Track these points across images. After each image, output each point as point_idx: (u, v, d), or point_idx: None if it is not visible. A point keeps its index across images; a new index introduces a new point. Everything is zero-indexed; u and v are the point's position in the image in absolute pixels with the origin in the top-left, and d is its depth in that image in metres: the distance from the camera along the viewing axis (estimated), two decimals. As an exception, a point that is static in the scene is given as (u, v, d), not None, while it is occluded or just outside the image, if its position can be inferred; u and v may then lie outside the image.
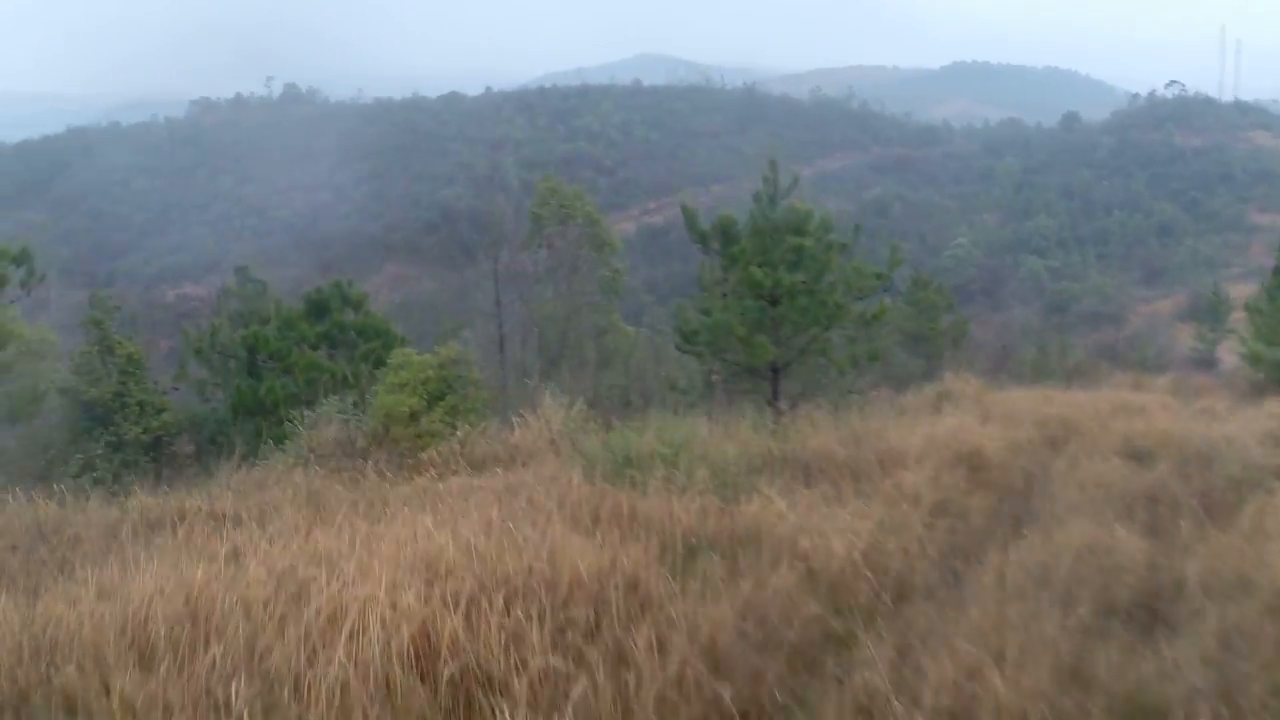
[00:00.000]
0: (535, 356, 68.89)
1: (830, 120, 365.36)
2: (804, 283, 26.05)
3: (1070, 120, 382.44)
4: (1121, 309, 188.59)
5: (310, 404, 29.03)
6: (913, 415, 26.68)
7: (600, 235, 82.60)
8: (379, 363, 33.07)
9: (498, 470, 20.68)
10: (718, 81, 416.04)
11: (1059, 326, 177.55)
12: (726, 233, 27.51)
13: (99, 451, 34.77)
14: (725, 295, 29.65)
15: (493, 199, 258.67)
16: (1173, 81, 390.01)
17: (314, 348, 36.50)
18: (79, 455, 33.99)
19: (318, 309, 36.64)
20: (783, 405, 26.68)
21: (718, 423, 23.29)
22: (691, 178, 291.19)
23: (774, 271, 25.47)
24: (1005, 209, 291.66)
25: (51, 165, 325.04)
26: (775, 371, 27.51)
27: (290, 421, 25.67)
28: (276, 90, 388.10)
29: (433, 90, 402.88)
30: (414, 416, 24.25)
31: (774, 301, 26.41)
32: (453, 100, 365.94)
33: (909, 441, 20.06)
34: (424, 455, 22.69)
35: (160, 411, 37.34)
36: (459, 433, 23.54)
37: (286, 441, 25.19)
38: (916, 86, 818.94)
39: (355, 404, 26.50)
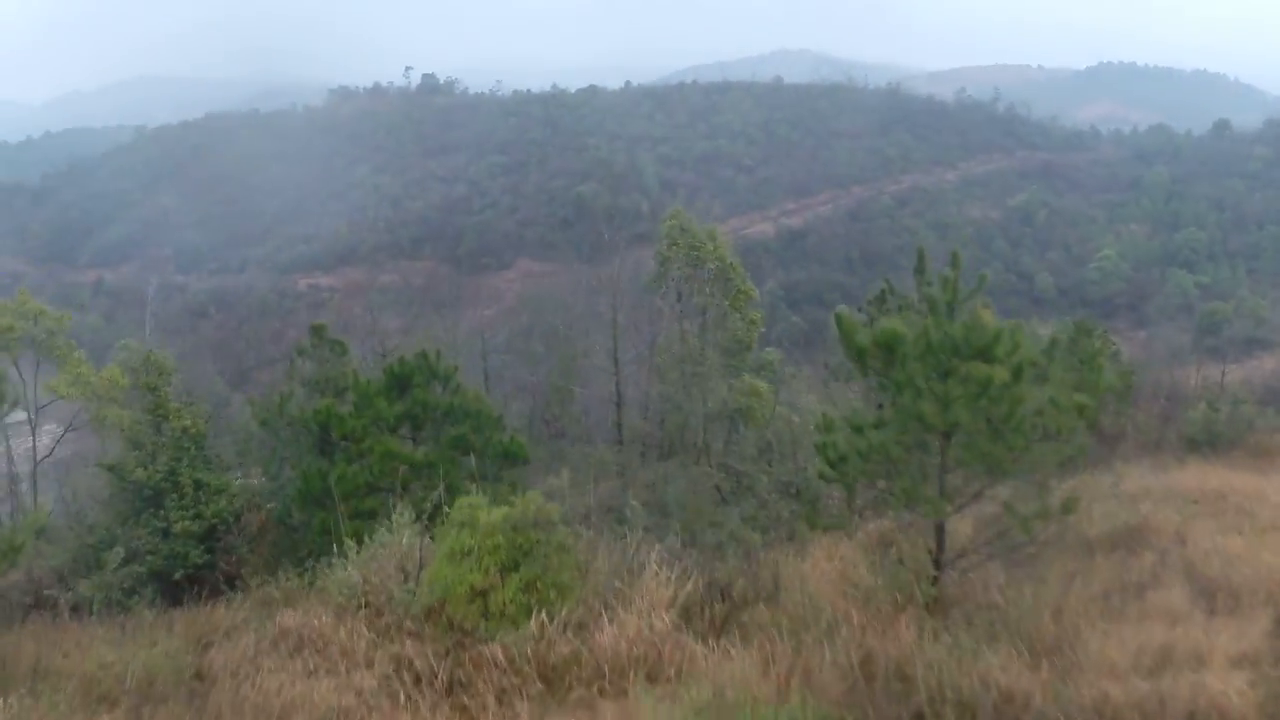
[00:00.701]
0: (649, 453, 62.72)
1: (975, 123, 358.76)
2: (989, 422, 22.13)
3: (1221, 128, 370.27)
4: (1277, 333, 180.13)
5: (388, 491, 26.34)
6: (1108, 594, 21.80)
7: (735, 281, 78.30)
8: (468, 449, 29.88)
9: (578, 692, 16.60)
10: (860, 80, 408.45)
11: (1210, 351, 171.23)
12: (891, 348, 23.33)
13: (142, 540, 31.27)
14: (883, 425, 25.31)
15: (629, 197, 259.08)
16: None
17: (393, 429, 32.97)
18: (120, 547, 30.54)
19: (400, 383, 33.34)
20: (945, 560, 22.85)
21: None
22: (832, 179, 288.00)
23: (948, 409, 21.65)
24: (1153, 220, 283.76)
25: (190, 150, 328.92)
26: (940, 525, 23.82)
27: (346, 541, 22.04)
28: (415, 81, 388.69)
29: (571, 83, 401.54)
30: (480, 594, 19.30)
31: (947, 435, 22.65)
32: (591, 94, 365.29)
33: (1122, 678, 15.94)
34: (486, 650, 18.18)
35: (219, 492, 33.45)
36: (532, 620, 18.41)
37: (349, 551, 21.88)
38: (1061, 87, 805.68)
39: (428, 517, 22.75)
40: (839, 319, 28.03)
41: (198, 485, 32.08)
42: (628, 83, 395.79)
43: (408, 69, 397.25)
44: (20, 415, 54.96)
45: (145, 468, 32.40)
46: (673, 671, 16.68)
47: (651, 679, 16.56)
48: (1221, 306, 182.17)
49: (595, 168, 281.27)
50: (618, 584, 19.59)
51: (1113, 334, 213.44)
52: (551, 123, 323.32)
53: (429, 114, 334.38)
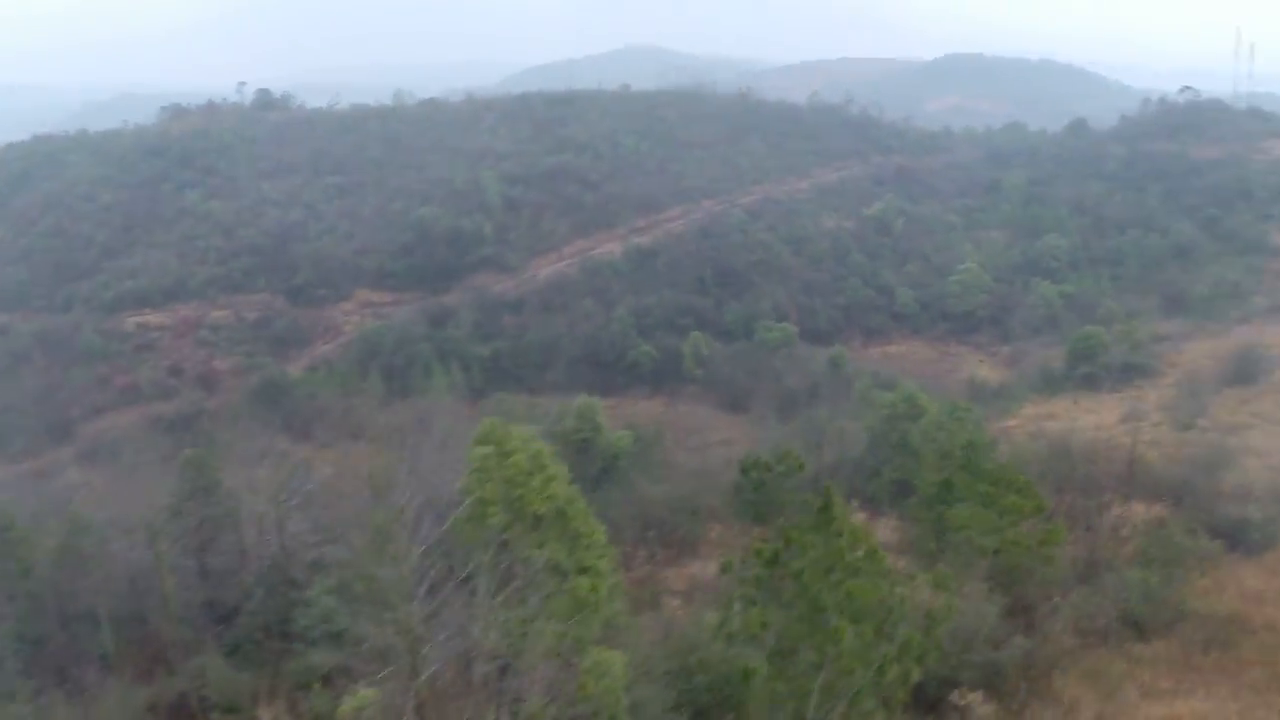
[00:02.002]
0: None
1: (828, 127, 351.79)
2: None
3: (1078, 128, 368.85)
4: (1155, 359, 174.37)
5: None
6: None
7: (574, 524, 58.29)
8: None
9: None
10: (709, 83, 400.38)
11: (1086, 380, 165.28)
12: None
13: None
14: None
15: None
16: (1186, 87, 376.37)
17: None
18: None
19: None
20: None
21: None
22: (682, 192, 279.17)
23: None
24: (1013, 225, 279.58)
25: (13, 175, 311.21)
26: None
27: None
28: (249, 96, 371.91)
29: (419, 86, 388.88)
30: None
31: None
32: (432, 108, 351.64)
33: None
34: None
35: None
36: None
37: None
38: (909, 79, 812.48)
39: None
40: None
41: None
42: (469, 95, 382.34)
43: (241, 84, 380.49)
44: None
45: None
46: None
47: None
48: (1096, 332, 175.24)
49: (436, 187, 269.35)
50: None
51: (977, 351, 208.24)
52: (391, 139, 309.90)
53: (263, 132, 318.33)
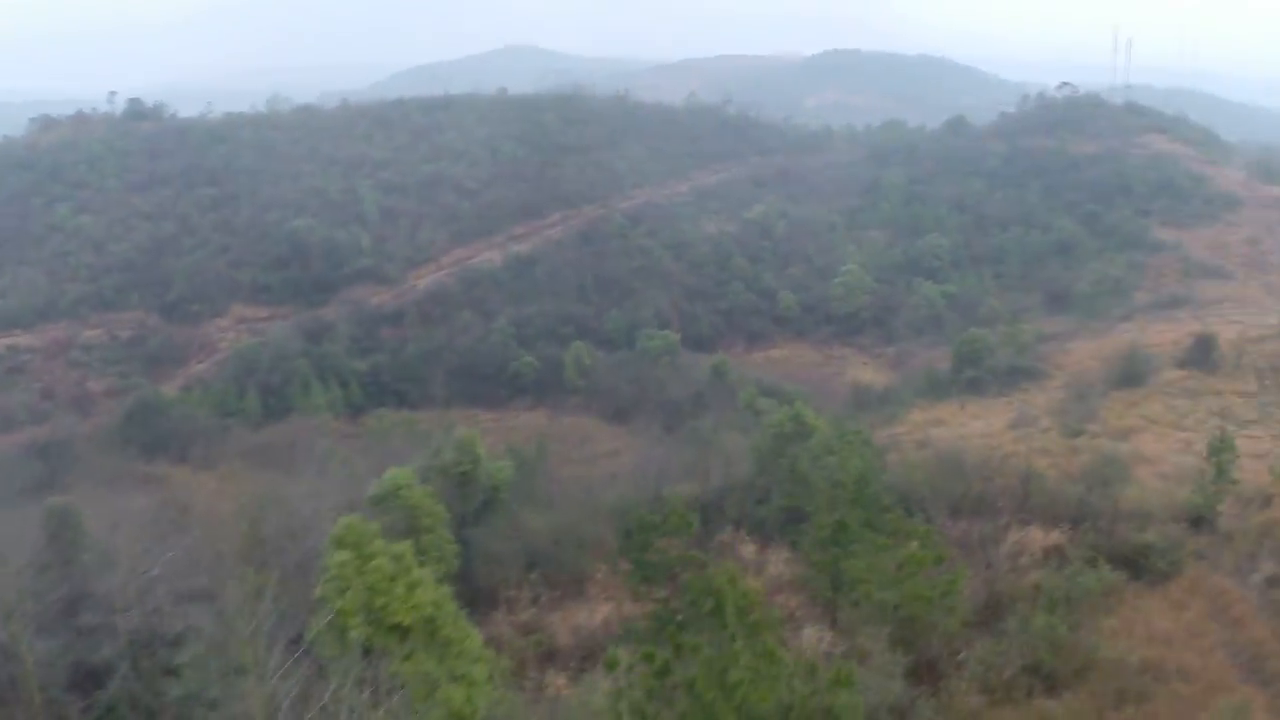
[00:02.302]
0: None
1: (707, 129, 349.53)
2: None
3: (957, 125, 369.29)
4: (1041, 361, 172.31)
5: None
6: None
7: (442, 634, 51.52)
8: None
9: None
10: (587, 85, 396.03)
11: (972, 385, 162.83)
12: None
13: None
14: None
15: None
16: (1064, 84, 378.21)
17: None
18: None
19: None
20: None
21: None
22: (561, 198, 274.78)
23: None
24: (894, 224, 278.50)
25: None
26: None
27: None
28: (120, 105, 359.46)
29: (287, 84, 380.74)
30: None
31: None
32: (307, 115, 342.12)
33: None
34: None
35: None
36: None
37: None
38: (787, 76, 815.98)
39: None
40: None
41: None
42: (345, 101, 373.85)
43: (112, 93, 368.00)
44: None
45: None
46: None
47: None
48: (980, 335, 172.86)
49: (311, 198, 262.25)
50: None
51: (861, 352, 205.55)
52: (264, 148, 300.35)
53: (135, 143, 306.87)
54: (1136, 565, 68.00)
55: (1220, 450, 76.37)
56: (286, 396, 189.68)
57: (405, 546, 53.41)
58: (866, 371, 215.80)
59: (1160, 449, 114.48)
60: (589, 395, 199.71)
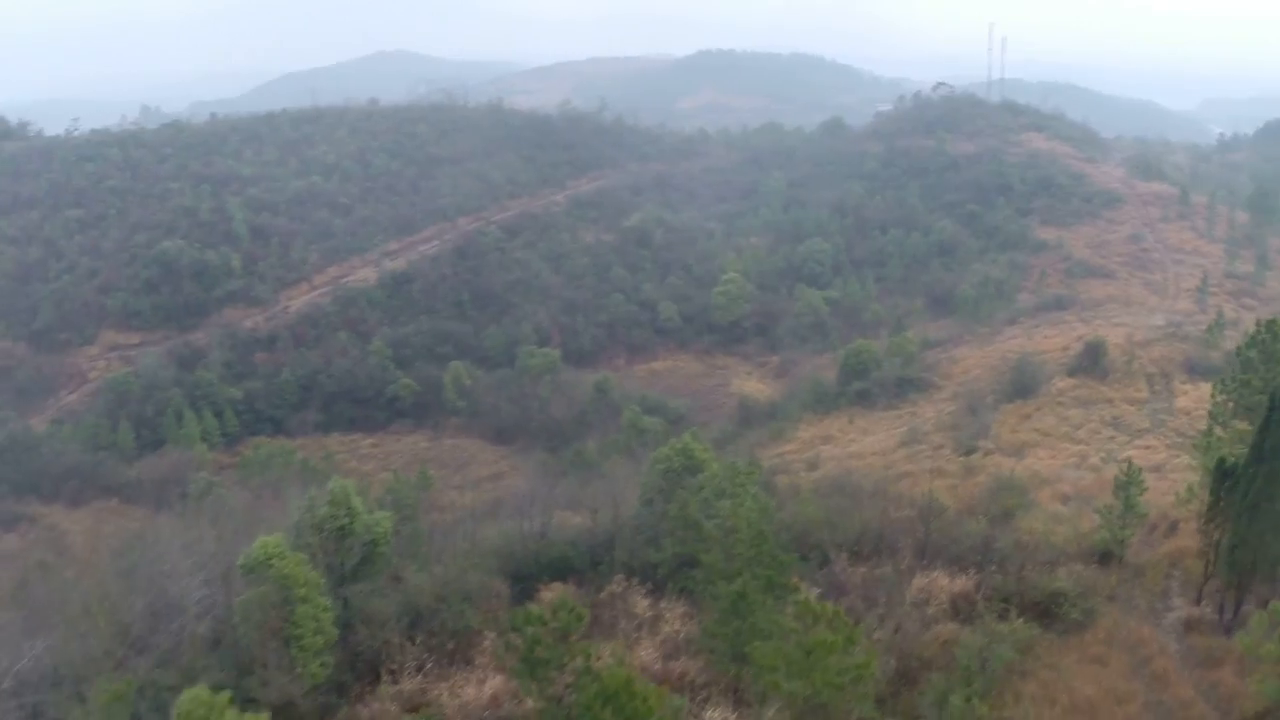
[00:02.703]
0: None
1: (582, 136, 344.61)
2: None
3: (834, 127, 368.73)
4: (929, 371, 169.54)
5: None
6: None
7: None
8: None
9: None
10: (460, 93, 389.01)
11: (860, 397, 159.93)
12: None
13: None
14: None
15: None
16: (940, 84, 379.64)
17: None
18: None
19: None
20: None
21: None
22: (436, 211, 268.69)
23: None
24: (774, 230, 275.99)
25: None
26: None
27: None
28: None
29: (157, 95, 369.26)
30: None
31: None
32: (175, 132, 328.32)
33: None
34: None
35: None
36: None
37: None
38: (662, 77, 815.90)
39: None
40: None
41: None
42: (213, 115, 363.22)
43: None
44: None
45: None
46: None
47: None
48: (866, 347, 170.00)
49: (181, 218, 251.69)
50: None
51: (745, 361, 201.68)
52: (133, 166, 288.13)
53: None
54: (1048, 613, 64.36)
55: (1128, 484, 72.93)
56: (160, 428, 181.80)
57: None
58: (751, 381, 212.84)
59: (1056, 465, 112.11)
60: (470, 416, 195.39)
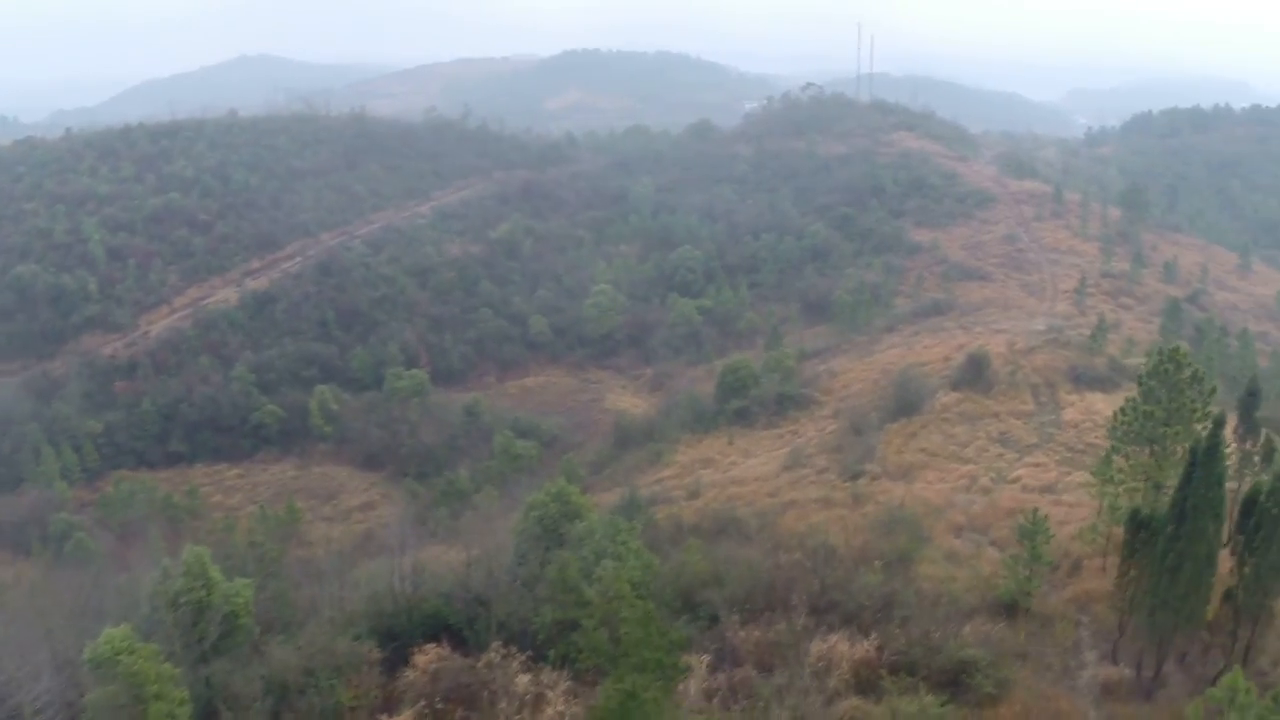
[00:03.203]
0: None
1: (447, 145, 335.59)
2: None
3: (703, 129, 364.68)
4: (809, 386, 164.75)
5: None
6: None
7: None
8: None
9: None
10: (321, 103, 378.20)
11: (739, 416, 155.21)
12: None
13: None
14: None
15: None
16: (809, 84, 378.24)
17: None
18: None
19: None
20: None
21: None
22: (298, 227, 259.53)
23: None
24: (644, 237, 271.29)
25: None
26: None
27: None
28: None
29: (8, 104, 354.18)
30: None
31: None
32: (28, 149, 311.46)
33: None
34: None
35: None
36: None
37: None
38: (528, 78, 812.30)
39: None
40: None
41: None
42: (69, 130, 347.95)
43: None
44: None
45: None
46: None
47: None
48: (743, 363, 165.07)
49: (35, 240, 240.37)
50: None
51: (619, 375, 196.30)
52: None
53: None
54: (958, 681, 59.64)
55: (1033, 533, 68.76)
56: (17, 465, 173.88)
57: None
58: (625, 396, 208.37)
59: (945, 489, 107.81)
60: (338, 442, 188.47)
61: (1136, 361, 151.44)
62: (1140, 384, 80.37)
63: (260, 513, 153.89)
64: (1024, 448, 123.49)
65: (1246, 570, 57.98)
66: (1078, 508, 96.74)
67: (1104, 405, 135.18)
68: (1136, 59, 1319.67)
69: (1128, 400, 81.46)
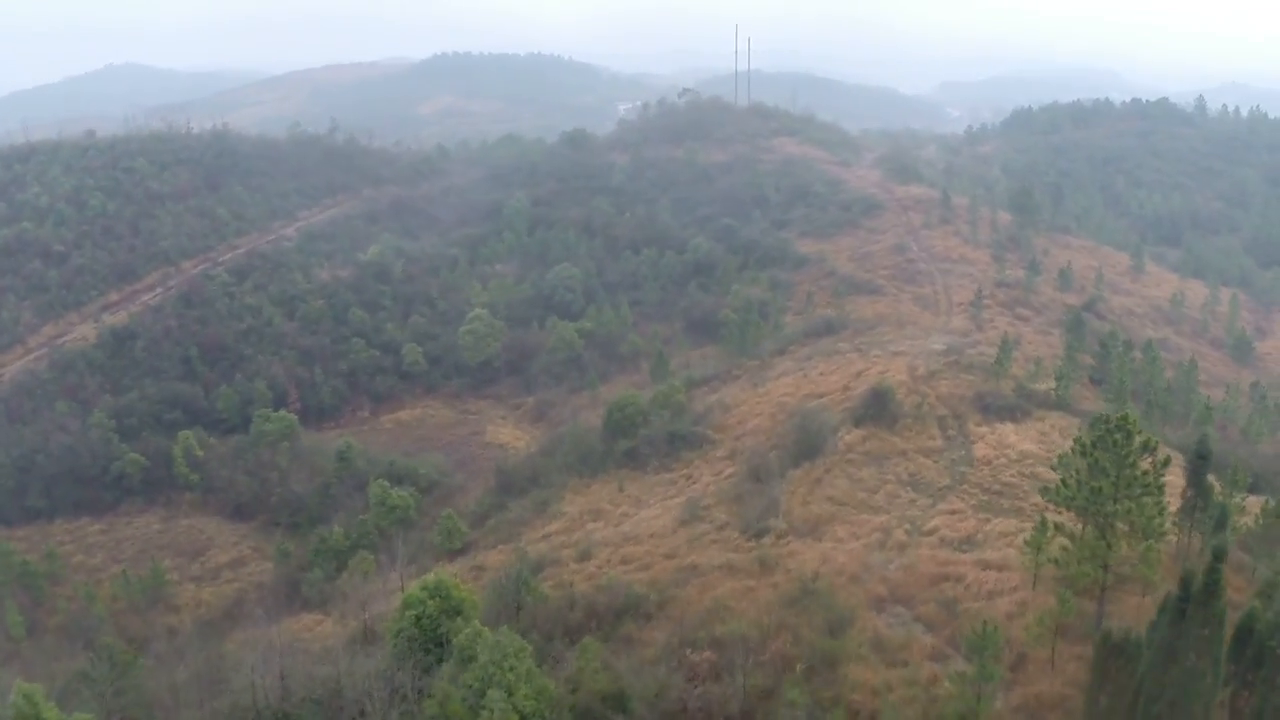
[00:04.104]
0: None
1: (313, 161, 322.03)
2: None
3: (578, 138, 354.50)
4: (702, 423, 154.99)
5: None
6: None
7: None
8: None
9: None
10: (187, 112, 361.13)
11: (630, 458, 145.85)
12: None
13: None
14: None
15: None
16: (686, 90, 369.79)
17: None
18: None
19: None
20: None
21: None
22: (158, 255, 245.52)
23: None
24: (520, 254, 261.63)
25: None
26: None
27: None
28: None
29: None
30: None
31: None
32: None
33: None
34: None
35: None
36: None
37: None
38: (400, 83, 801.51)
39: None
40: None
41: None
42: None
43: None
44: None
45: None
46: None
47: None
48: (631, 399, 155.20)
49: None
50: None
51: (498, 404, 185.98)
52: None
53: None
54: None
55: (981, 647, 60.52)
56: None
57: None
58: (506, 428, 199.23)
59: (858, 548, 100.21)
60: (206, 491, 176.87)
61: (1045, 387, 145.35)
62: (1085, 454, 72.43)
63: (124, 578, 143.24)
64: (936, 491, 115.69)
65: (1245, 710, 49.69)
66: (1006, 572, 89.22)
67: (1015, 438, 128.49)
68: (1006, 50, 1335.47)
69: (1065, 466, 73.84)
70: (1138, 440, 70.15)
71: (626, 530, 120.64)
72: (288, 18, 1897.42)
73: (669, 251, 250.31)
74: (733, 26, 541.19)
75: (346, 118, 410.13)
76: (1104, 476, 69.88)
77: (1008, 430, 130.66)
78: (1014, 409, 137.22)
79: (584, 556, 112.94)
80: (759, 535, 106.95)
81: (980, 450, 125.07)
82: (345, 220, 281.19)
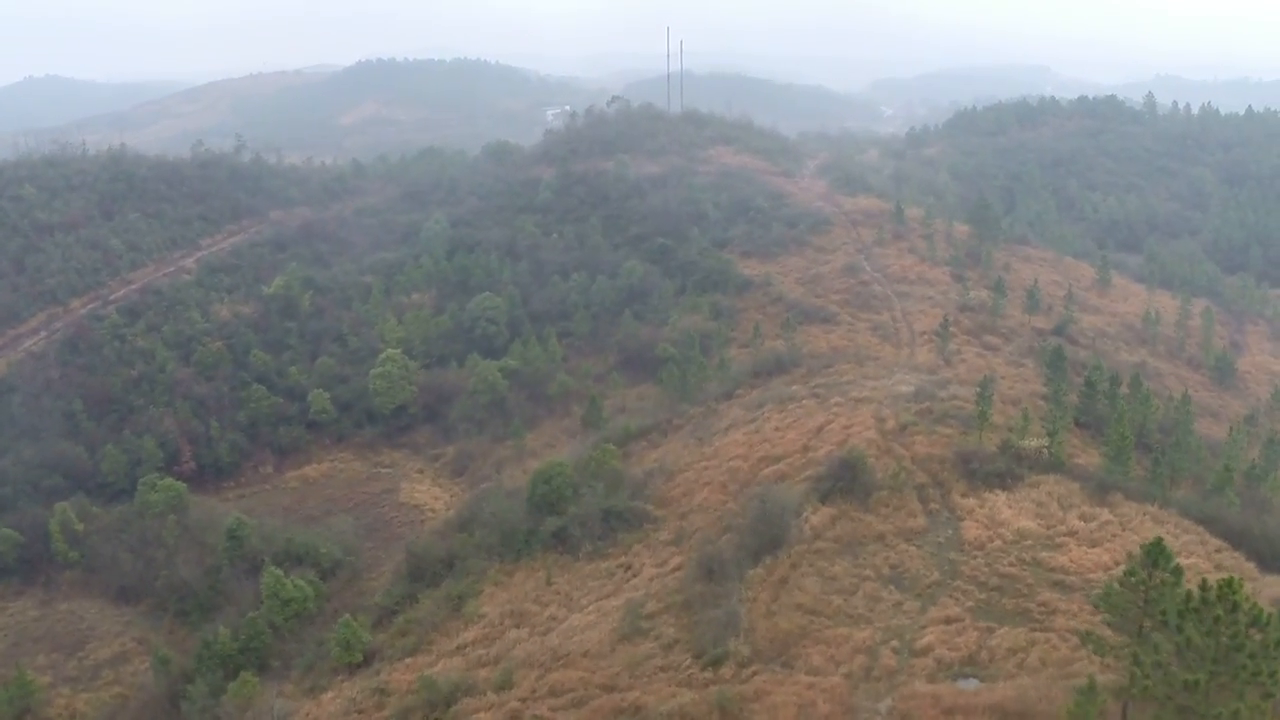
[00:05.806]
0: None
1: (217, 184, 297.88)
2: None
3: (501, 151, 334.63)
4: (641, 497, 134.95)
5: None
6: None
7: None
8: None
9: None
10: (75, 144, 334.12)
11: (558, 540, 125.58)
12: None
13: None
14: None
15: None
16: (615, 98, 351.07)
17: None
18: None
19: None
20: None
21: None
22: (45, 294, 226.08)
23: None
24: (439, 282, 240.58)
25: None
26: None
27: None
28: None
29: None
30: None
31: None
32: None
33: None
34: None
35: None
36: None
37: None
38: (322, 91, 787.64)
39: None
40: None
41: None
42: None
43: None
44: None
45: None
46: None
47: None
48: (558, 470, 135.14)
49: None
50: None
51: (414, 456, 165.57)
52: None
53: None
54: None
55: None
56: None
57: None
58: (423, 484, 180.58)
59: (841, 685, 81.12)
60: (87, 570, 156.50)
61: (1035, 444, 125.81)
62: (1176, 627, 52.84)
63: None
64: (925, 590, 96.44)
65: None
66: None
67: (1009, 512, 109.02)
68: (936, 47, 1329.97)
69: (1140, 655, 54.82)
70: (1245, 610, 50.59)
71: (555, 644, 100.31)
72: (210, 24, 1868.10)
73: (600, 276, 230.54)
74: (664, 29, 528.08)
75: (268, 129, 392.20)
76: (1198, 663, 50.24)
77: (999, 502, 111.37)
78: (1003, 474, 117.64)
79: (504, 684, 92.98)
80: (716, 663, 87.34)
81: (970, 530, 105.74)
82: (250, 248, 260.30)
